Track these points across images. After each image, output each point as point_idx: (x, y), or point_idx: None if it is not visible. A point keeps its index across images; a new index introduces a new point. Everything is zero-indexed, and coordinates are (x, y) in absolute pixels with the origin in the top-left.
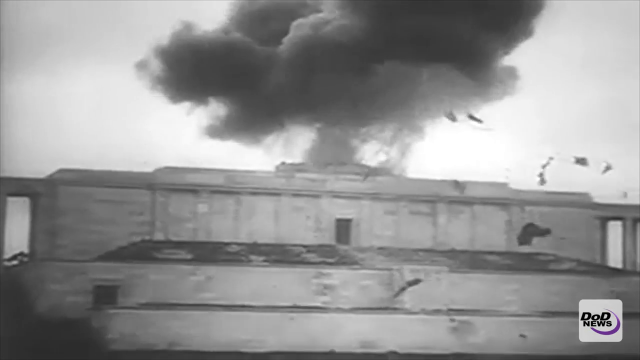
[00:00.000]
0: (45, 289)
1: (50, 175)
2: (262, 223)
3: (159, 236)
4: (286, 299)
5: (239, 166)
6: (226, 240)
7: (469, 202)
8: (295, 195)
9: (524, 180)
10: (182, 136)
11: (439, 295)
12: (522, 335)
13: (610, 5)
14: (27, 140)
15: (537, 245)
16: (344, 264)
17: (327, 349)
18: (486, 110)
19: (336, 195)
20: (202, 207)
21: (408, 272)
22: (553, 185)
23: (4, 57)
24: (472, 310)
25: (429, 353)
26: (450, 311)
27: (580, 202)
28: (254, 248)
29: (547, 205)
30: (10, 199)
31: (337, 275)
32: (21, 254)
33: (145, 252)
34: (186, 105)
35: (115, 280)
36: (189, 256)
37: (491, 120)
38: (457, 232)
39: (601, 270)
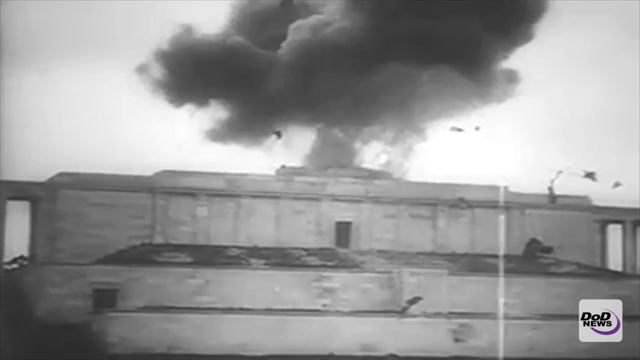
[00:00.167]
0: (45, 292)
1: (50, 179)
2: (262, 226)
3: (158, 240)
4: (286, 302)
5: (239, 169)
6: (226, 244)
7: (469, 205)
8: (296, 198)
9: (524, 182)
10: (182, 139)
11: (439, 298)
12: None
13: (612, 7)
14: (27, 144)
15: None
16: (344, 267)
17: (326, 352)
18: (487, 112)
19: (336, 198)
20: (201, 211)
21: (408, 275)
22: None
23: (3, 61)
24: (472, 314)
25: (429, 356)
26: (450, 314)
27: (580, 205)
28: (254, 251)
29: (547, 208)
30: (10, 203)
31: (337, 279)
32: (21, 257)
33: (145, 255)
34: (187, 108)
35: (114, 284)
36: (188, 259)
37: (491, 122)
38: (457, 235)
39: (601, 273)
